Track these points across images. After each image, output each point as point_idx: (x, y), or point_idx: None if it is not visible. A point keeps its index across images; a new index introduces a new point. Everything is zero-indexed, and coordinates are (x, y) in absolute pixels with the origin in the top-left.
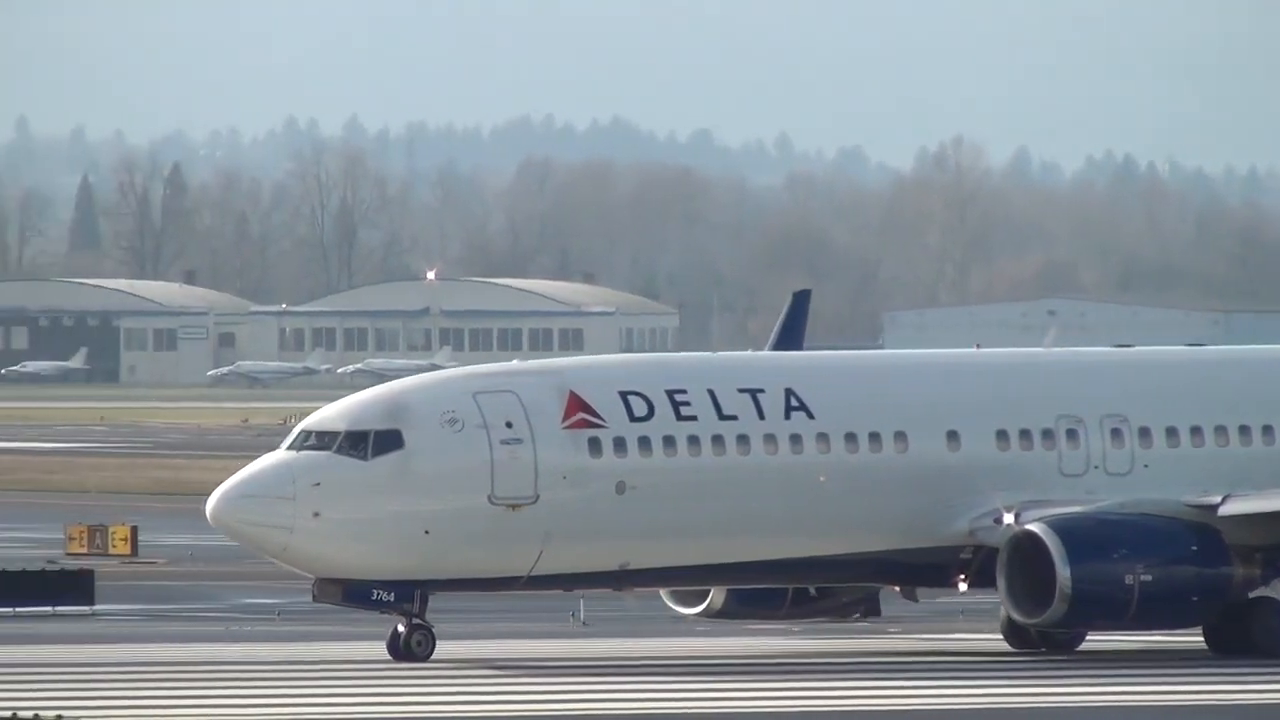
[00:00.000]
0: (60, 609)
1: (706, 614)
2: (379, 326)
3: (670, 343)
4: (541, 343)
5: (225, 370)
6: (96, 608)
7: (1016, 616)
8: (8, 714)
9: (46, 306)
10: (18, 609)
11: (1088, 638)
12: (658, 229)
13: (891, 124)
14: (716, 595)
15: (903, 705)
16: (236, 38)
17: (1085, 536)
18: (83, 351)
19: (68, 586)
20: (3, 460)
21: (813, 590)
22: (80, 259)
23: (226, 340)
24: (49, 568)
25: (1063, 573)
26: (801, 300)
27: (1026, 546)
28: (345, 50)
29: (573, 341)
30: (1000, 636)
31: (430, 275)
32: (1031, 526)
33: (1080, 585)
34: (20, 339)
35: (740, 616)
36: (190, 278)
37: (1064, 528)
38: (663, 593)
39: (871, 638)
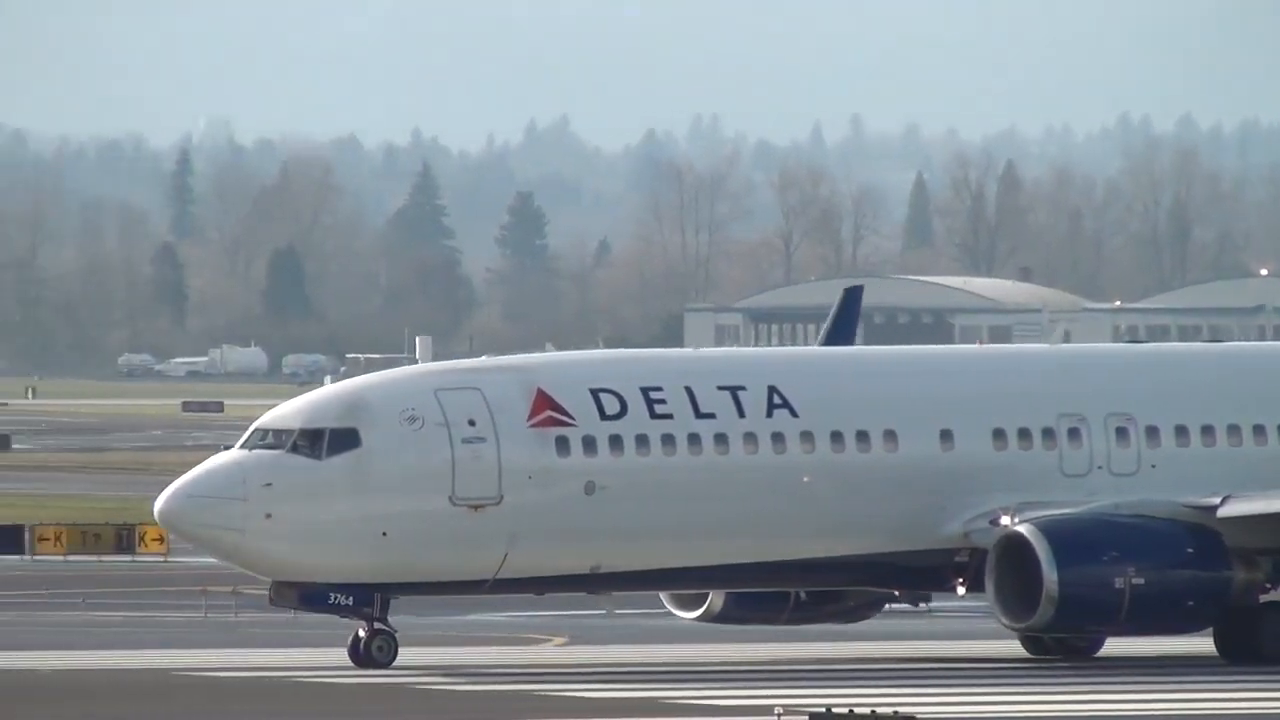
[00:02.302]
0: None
1: (705, 618)
2: (1212, 323)
3: None
4: None
5: None
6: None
7: (1004, 621)
8: (865, 713)
9: (880, 303)
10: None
11: (1106, 644)
12: None
13: None
14: (715, 598)
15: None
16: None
17: (1074, 538)
18: None
19: None
20: None
21: (802, 594)
22: (914, 256)
23: (1061, 337)
24: None
25: (1049, 576)
26: (853, 297)
27: (1015, 549)
28: (1108, 48)
29: None
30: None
31: (1263, 272)
32: (1019, 528)
33: (1068, 588)
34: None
35: (740, 620)
36: (1024, 275)
37: (1052, 529)
38: (662, 596)
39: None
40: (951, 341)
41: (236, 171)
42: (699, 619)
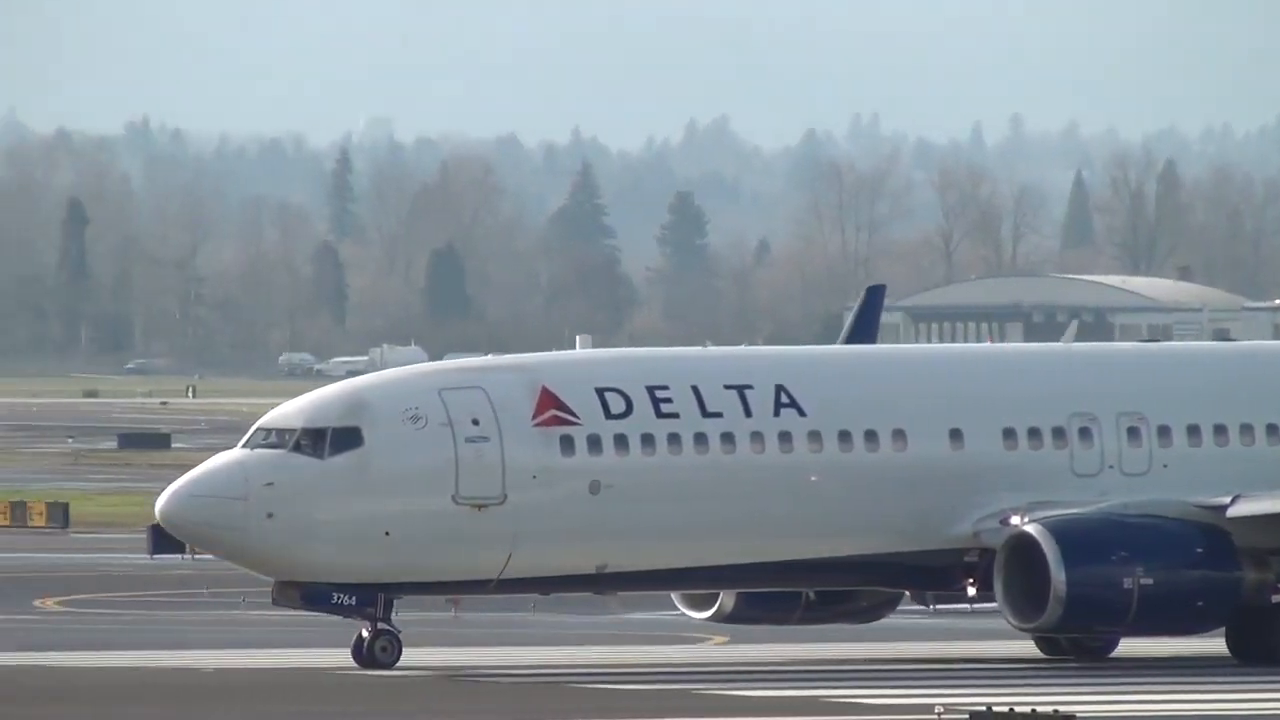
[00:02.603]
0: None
1: (716, 618)
2: None
3: None
4: None
5: None
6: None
7: (1013, 622)
8: (1026, 711)
9: (1040, 302)
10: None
11: (1120, 644)
12: None
13: None
14: (726, 599)
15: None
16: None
17: (1082, 538)
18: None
19: None
20: None
21: (811, 594)
22: (1073, 255)
23: (1220, 336)
24: None
25: (1057, 576)
26: (875, 295)
27: (1024, 549)
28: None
29: None
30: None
31: None
32: (1027, 528)
33: (1076, 588)
34: (1015, 334)
35: (752, 620)
36: (1184, 274)
37: (1060, 529)
38: (673, 596)
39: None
40: (1111, 341)
41: (396, 170)
42: (710, 619)
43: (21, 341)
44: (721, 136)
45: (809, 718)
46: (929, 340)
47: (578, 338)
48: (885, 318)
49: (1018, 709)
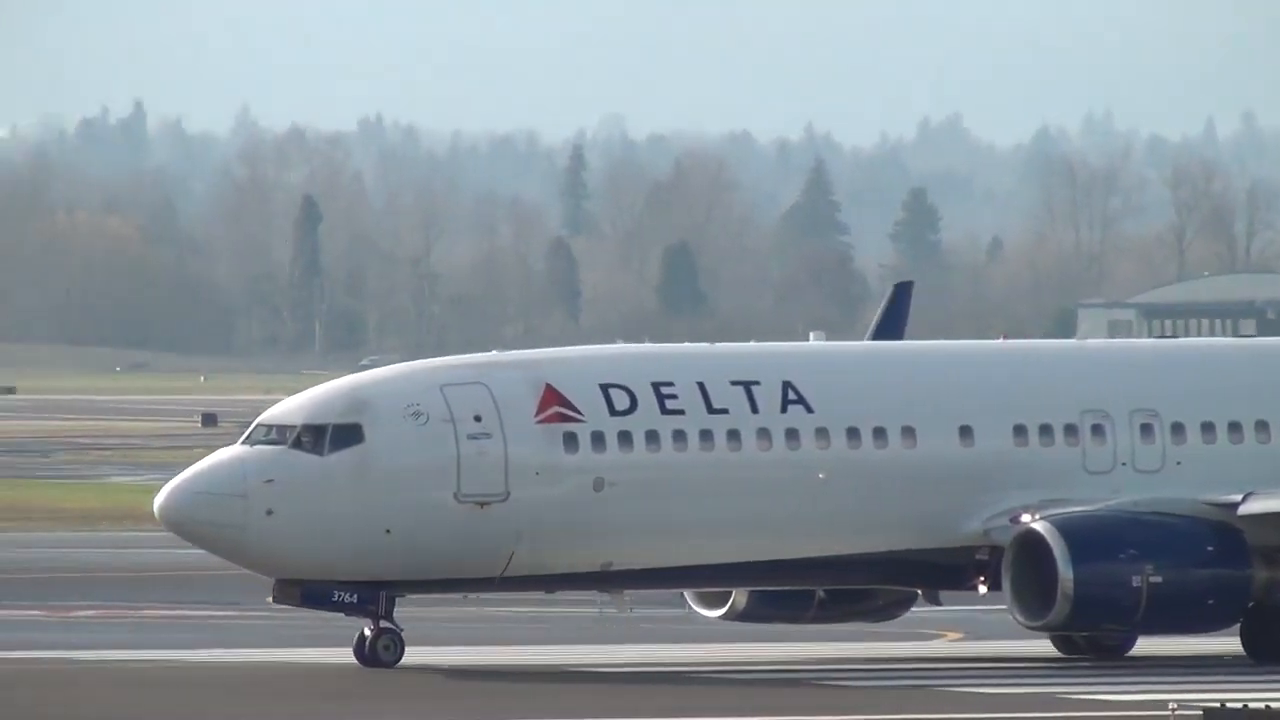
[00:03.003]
0: None
1: (729, 616)
2: None
3: None
4: None
5: None
6: None
7: (1020, 620)
8: (1260, 708)
9: (1274, 298)
10: None
11: (1138, 643)
12: None
13: None
14: (738, 597)
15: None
16: None
17: (1091, 535)
18: None
19: None
20: None
21: (821, 593)
22: None
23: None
24: None
25: (1065, 574)
26: (903, 292)
27: (1031, 546)
28: None
29: None
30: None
31: None
32: (1035, 525)
33: (1084, 587)
34: (1248, 331)
35: (764, 619)
36: None
37: (1068, 527)
38: (686, 594)
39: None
40: None
41: (629, 168)
42: (723, 617)
43: (255, 339)
44: (954, 133)
45: (1051, 713)
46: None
47: (811, 334)
48: (1118, 314)
49: (1250, 705)
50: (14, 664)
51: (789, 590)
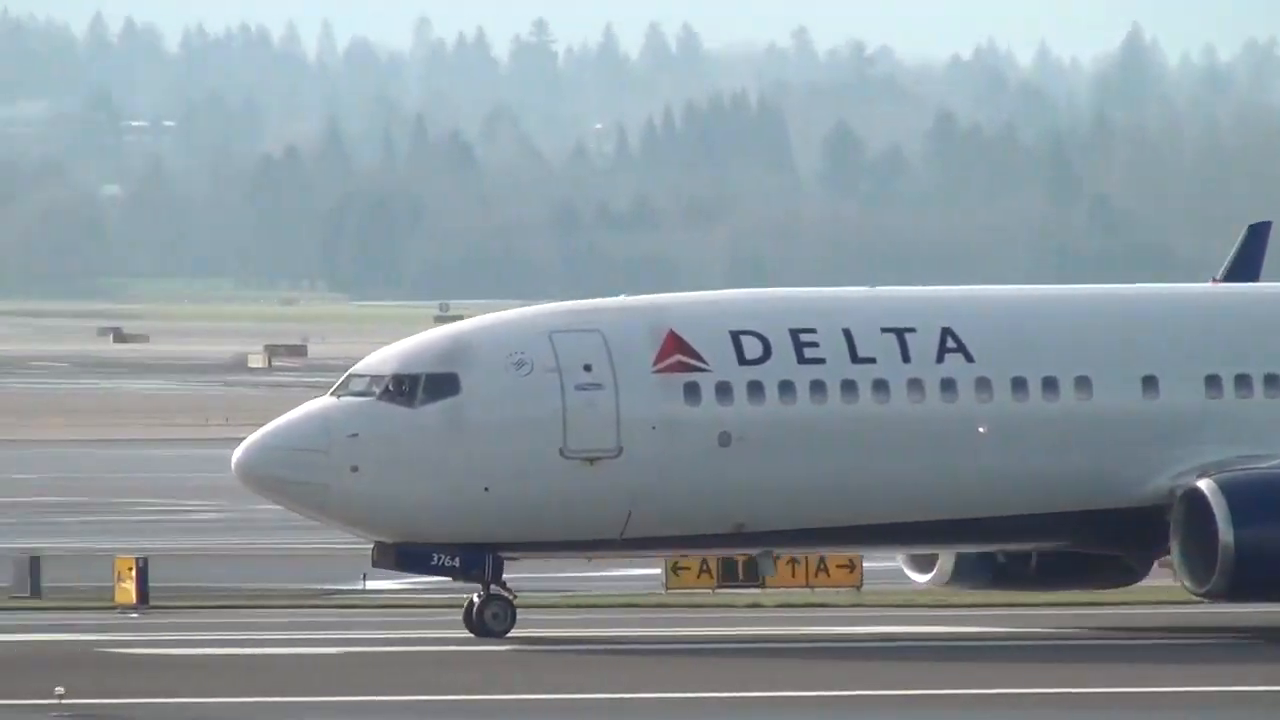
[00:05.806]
0: None
1: (937, 581)
2: None
3: None
4: None
5: None
6: None
7: (1188, 586)
8: None
9: None
10: None
11: None
12: None
13: None
14: (945, 560)
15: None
16: None
17: (1257, 495)
18: None
19: None
20: None
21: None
22: None
23: None
24: None
25: (1225, 537)
26: (1260, 232)
27: (1196, 507)
28: None
29: None
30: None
31: None
32: (1199, 483)
33: (1245, 552)
34: None
35: (974, 585)
36: None
37: (1233, 485)
38: (899, 556)
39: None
40: None
41: None
42: (930, 582)
43: None
44: None
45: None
46: None
47: None
48: None
49: None
50: None
51: (1005, 556)
